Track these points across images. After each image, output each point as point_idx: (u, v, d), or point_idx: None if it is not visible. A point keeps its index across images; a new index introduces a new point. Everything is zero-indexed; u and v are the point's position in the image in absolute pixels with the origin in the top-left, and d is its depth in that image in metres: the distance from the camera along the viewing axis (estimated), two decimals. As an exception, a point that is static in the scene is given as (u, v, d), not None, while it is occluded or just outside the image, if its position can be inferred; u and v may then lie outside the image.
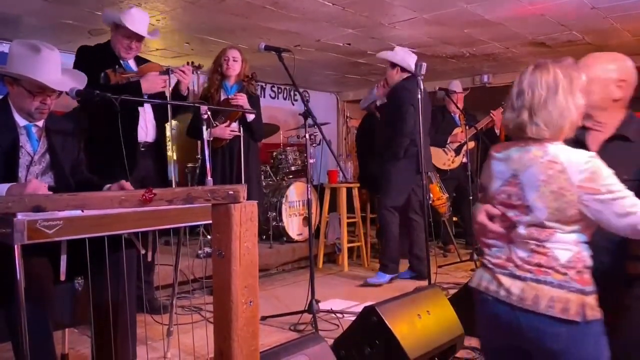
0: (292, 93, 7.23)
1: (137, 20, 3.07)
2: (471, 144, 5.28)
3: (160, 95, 3.18)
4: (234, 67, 3.78)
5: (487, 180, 1.62)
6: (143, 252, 2.08)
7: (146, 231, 2.02)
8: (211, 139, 3.70)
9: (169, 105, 3.15)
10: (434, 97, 5.56)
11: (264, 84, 6.78)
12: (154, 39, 3.30)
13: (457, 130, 5.28)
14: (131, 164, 2.99)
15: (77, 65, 3.04)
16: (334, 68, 6.02)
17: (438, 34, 4.62)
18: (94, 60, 3.02)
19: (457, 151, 5.32)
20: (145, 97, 3.10)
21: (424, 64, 3.45)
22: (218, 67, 3.81)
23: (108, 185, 2.22)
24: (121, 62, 3.14)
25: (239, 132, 3.78)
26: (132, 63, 3.21)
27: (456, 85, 5.41)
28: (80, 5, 3.71)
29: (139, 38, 3.12)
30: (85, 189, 2.23)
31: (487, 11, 3.99)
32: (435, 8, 3.92)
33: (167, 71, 3.13)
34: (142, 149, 3.18)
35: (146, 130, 3.19)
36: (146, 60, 3.35)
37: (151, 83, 3.07)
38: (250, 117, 3.76)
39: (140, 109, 3.15)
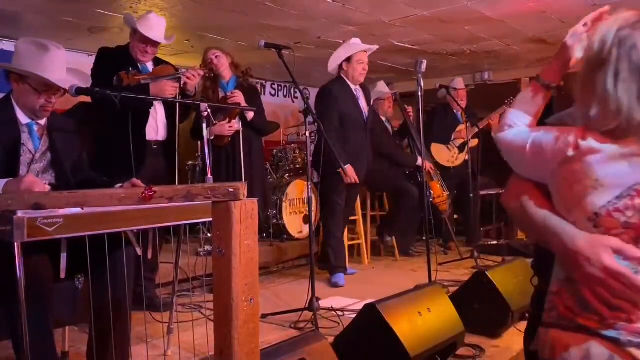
0: (292, 90, 7.22)
1: (153, 25, 3.14)
2: (474, 142, 5.27)
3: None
4: (221, 62, 3.79)
5: (578, 191, 1.05)
6: (140, 253, 2.08)
7: (146, 229, 2.02)
8: (212, 137, 3.70)
9: (177, 105, 3.17)
10: (435, 95, 5.57)
11: (264, 82, 6.78)
12: (169, 42, 3.34)
13: (460, 128, 5.27)
14: (139, 163, 3.02)
15: (96, 66, 3.15)
16: (334, 65, 6.01)
17: (438, 31, 4.62)
18: (113, 62, 3.10)
19: (461, 148, 5.32)
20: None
21: (424, 61, 3.43)
22: (213, 75, 3.80)
23: (119, 185, 2.22)
24: (138, 65, 3.20)
25: (239, 127, 3.77)
26: (149, 65, 3.26)
27: (458, 83, 5.41)
28: (81, 3, 3.71)
29: (154, 43, 3.18)
30: (87, 187, 2.23)
31: (487, 8, 3.99)
32: (435, 5, 3.91)
33: (178, 77, 3.16)
34: (154, 147, 3.22)
35: (157, 129, 3.23)
36: (164, 62, 3.39)
37: (160, 88, 3.09)
38: (250, 115, 3.75)
39: (151, 108, 3.18)
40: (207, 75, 3.62)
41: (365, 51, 4.03)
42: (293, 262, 4.84)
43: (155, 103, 3.18)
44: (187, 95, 3.28)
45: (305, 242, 4.85)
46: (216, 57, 3.78)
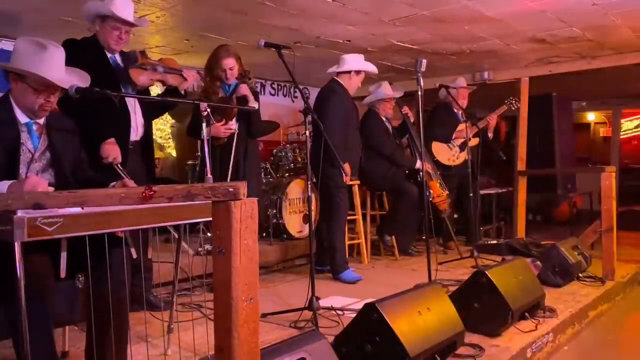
0: (292, 90, 7.21)
1: (123, 7, 3.00)
2: (475, 141, 5.27)
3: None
4: (233, 75, 3.71)
5: None
6: (135, 255, 2.08)
7: (146, 229, 2.02)
8: (208, 137, 3.67)
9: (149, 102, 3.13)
10: (434, 94, 5.57)
11: (263, 81, 6.77)
12: (143, 26, 3.25)
13: (461, 127, 5.26)
14: (122, 162, 3.01)
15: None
16: (334, 65, 6.01)
17: (438, 31, 4.61)
18: (80, 54, 2.87)
19: (462, 147, 5.32)
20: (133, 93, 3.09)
21: (424, 61, 3.44)
22: (216, 77, 3.71)
23: (112, 184, 2.22)
24: (108, 56, 3.08)
25: (235, 129, 3.73)
26: (117, 58, 3.14)
27: (460, 82, 5.40)
28: (80, 2, 3.70)
29: (128, 28, 3.05)
30: (88, 186, 2.23)
31: (487, 7, 3.98)
32: (435, 4, 3.91)
33: (180, 74, 3.23)
34: (131, 147, 3.14)
35: (136, 128, 3.16)
36: (127, 55, 3.26)
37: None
38: (254, 105, 3.67)
39: (130, 108, 3.10)
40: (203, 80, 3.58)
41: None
42: (293, 261, 4.84)
43: (135, 102, 3.10)
44: (179, 93, 3.25)
45: (305, 242, 4.85)
46: (230, 69, 3.67)
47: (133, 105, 3.12)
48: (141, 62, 3.04)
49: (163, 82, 3.26)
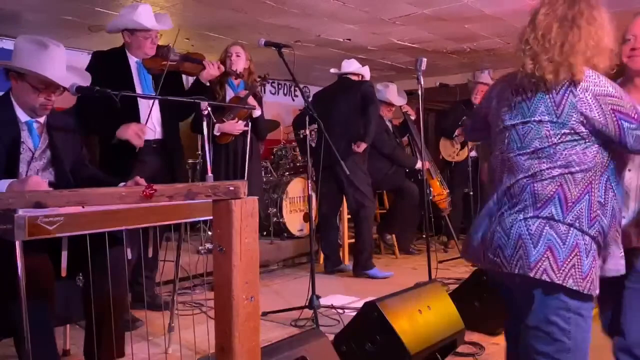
0: (292, 89, 7.22)
1: (147, 15, 3.08)
2: None
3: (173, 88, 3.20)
4: (237, 62, 3.71)
5: None
6: (130, 256, 2.08)
7: (147, 227, 2.03)
8: (219, 134, 3.67)
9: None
10: (434, 93, 5.55)
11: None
12: (167, 28, 3.29)
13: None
14: (131, 162, 3.00)
15: (90, 69, 3.01)
16: (334, 64, 6.00)
17: (439, 30, 4.62)
18: (109, 65, 3.04)
19: (463, 145, 5.30)
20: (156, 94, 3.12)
21: (424, 60, 3.43)
22: (226, 73, 3.69)
23: (122, 183, 2.22)
24: (134, 60, 3.15)
25: (247, 127, 3.75)
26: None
27: (484, 77, 5.33)
28: (81, 1, 3.71)
29: (156, 32, 3.14)
30: (91, 184, 2.23)
31: (487, 6, 3.99)
32: (435, 3, 3.91)
33: (200, 62, 3.32)
34: (154, 146, 3.15)
35: (154, 128, 3.16)
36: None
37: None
38: (257, 113, 3.73)
39: (143, 106, 3.11)
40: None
41: None
42: (293, 260, 4.84)
43: (153, 101, 3.11)
44: (202, 84, 3.31)
45: (305, 240, 4.85)
46: (237, 55, 3.69)
47: (147, 105, 3.10)
48: (158, 52, 3.15)
49: (179, 69, 3.30)
